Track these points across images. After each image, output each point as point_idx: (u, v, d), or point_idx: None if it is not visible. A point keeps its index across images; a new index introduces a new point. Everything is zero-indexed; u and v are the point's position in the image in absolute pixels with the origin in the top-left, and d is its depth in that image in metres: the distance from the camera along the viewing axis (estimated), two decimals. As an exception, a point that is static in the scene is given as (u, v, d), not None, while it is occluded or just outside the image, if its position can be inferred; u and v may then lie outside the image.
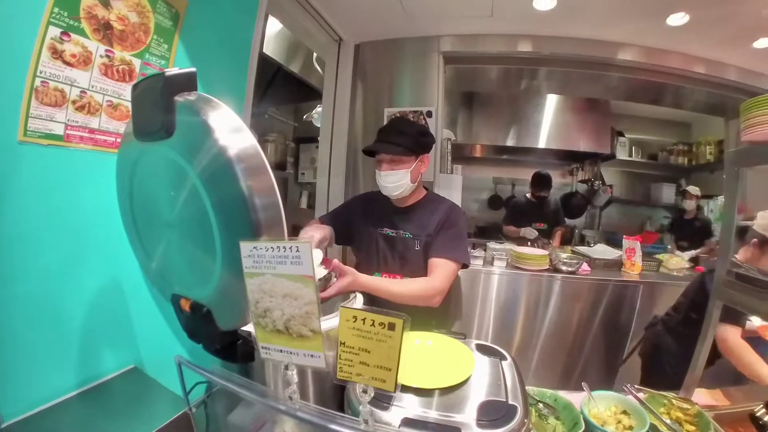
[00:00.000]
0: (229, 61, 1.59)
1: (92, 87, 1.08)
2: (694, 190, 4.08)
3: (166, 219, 0.82)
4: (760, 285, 1.34)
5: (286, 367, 0.68)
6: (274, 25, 2.78)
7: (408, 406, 0.86)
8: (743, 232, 1.73)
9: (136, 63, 1.18)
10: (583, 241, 4.79)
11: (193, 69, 0.72)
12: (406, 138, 1.58)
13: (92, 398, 1.10)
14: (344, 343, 0.59)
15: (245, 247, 0.61)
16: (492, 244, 3.28)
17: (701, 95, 3.59)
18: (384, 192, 1.64)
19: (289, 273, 0.59)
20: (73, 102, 1.05)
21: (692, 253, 3.62)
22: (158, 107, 0.71)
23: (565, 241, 4.20)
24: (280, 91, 3.26)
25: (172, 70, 0.71)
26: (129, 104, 0.96)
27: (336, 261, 1.30)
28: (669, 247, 4.21)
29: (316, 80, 3.19)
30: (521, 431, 0.85)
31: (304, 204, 4.22)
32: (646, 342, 2.25)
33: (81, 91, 1.06)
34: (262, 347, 0.67)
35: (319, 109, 3.02)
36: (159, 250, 0.89)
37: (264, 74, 2.95)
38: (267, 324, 0.64)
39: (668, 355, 1.88)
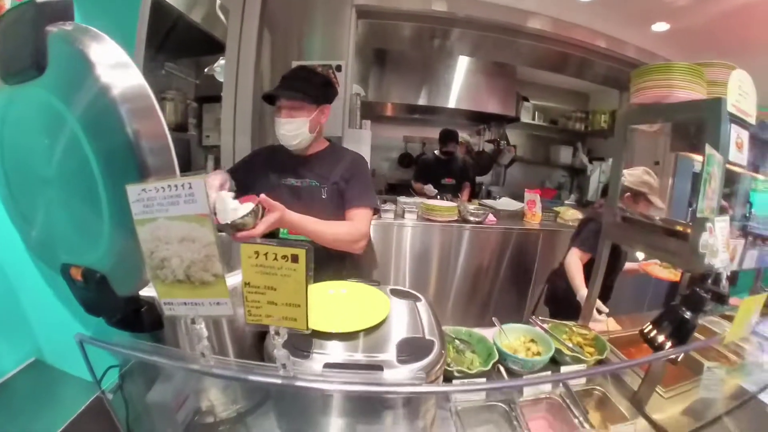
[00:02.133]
0: (116, 6, 1.38)
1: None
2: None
3: (43, 174, 0.71)
4: (640, 225, 1.64)
5: (193, 321, 0.64)
6: (173, -34, 2.50)
7: (329, 352, 0.88)
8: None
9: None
10: (489, 196, 5.12)
11: (70, -4, 0.64)
12: (308, 86, 1.56)
13: None
14: (249, 284, 0.58)
15: (133, 190, 0.56)
16: (402, 198, 3.44)
17: (601, 68, 3.92)
18: (281, 140, 1.60)
19: (183, 213, 0.56)
20: None
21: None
22: (28, 40, 0.62)
23: (474, 197, 4.41)
24: (180, 43, 2.96)
25: (44, -2, 0.62)
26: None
27: (263, 195, 1.26)
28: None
29: (220, 32, 2.93)
30: (439, 362, 0.90)
31: (210, 169, 3.83)
32: (548, 291, 2.55)
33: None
34: (164, 303, 0.63)
35: (222, 61, 2.80)
36: (39, 213, 0.79)
37: (160, 23, 2.65)
38: (166, 276, 0.60)
39: (567, 295, 2.13)
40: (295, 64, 2.83)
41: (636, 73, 1.64)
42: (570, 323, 1.59)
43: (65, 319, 1.10)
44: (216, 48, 3.03)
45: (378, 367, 0.84)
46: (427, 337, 0.98)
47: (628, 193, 2.03)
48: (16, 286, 1.04)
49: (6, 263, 1.00)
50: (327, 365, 0.83)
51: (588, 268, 2.00)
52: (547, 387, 1.27)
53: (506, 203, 3.87)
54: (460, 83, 4.82)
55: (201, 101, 3.83)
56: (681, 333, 1.09)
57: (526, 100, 5.37)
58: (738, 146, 1.22)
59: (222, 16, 2.69)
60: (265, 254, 0.57)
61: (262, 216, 1.24)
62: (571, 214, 3.65)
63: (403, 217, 3.13)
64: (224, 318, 0.66)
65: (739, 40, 2.83)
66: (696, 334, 1.17)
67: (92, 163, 0.62)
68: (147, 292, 0.73)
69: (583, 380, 1.32)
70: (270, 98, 1.60)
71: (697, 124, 1.37)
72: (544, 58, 4.09)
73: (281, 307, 0.59)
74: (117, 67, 0.59)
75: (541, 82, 5.41)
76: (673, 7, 2.73)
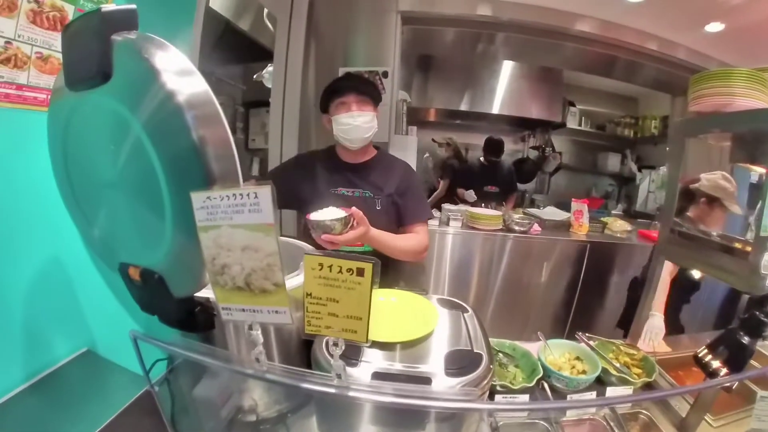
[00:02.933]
0: (175, 11, 1.46)
1: (19, 36, 0.97)
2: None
3: (107, 178, 0.74)
4: (697, 241, 1.52)
5: (250, 327, 0.65)
6: (222, -24, 2.59)
7: (376, 361, 0.89)
8: (688, 196, 1.91)
9: (69, 9, 1.06)
10: (533, 204, 5.02)
11: (133, 6, 0.65)
12: (370, 86, 1.63)
13: (44, 388, 1.02)
14: (311, 294, 0.57)
15: (197, 198, 0.57)
16: (447, 206, 3.38)
17: (651, 71, 3.76)
18: (353, 134, 1.58)
19: (247, 223, 0.56)
20: (-4, 53, 0.93)
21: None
22: (94, 48, 0.63)
23: (517, 205, 4.37)
24: (229, 50, 3.08)
25: (109, 6, 0.64)
26: (61, 56, 0.86)
27: (355, 209, 1.32)
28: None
29: (267, 39, 3.03)
30: (488, 377, 0.90)
31: (255, 171, 4.02)
32: (630, 302, 2.39)
33: (6, 42, 0.94)
34: (223, 308, 0.64)
35: (270, 68, 2.87)
36: (101, 214, 0.82)
37: (210, 31, 2.77)
38: (226, 282, 0.60)
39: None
40: (341, 71, 2.90)
41: (695, 79, 1.59)
42: (617, 341, 1.54)
43: (118, 314, 1.17)
44: (263, 55, 3.13)
45: (426, 379, 0.85)
46: (475, 350, 0.98)
47: (704, 199, 1.92)
48: (74, 280, 1.14)
49: (66, 258, 1.10)
50: (375, 375, 0.84)
51: (679, 284, 1.93)
52: (591, 408, 1.25)
53: (552, 213, 3.77)
54: (504, 88, 4.75)
55: (248, 106, 3.95)
56: (738, 359, 1.03)
57: (573, 104, 5.22)
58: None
59: (269, 24, 2.76)
60: (330, 266, 0.56)
61: (350, 227, 1.29)
62: (620, 226, 3.51)
63: (447, 224, 3.12)
64: (283, 326, 0.64)
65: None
66: (751, 361, 1.09)
67: (157, 169, 0.62)
68: (201, 292, 0.74)
69: (628, 403, 1.27)
70: (328, 98, 1.61)
71: (756, 134, 1.31)
72: (591, 62, 3.97)
73: (342, 319, 0.58)
74: (182, 74, 0.60)
75: (588, 86, 5.25)
76: (728, 6, 2.60)
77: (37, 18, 1.00)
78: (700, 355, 1.09)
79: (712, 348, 1.07)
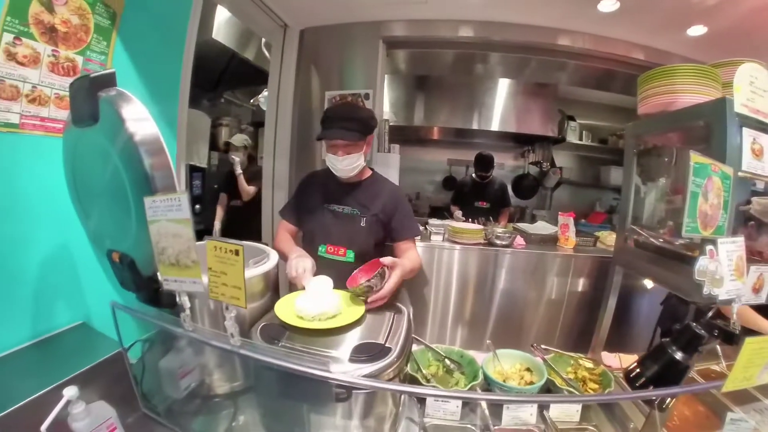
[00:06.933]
0: (165, 51, 1.73)
1: (42, 82, 1.29)
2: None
3: (98, 187, 1.04)
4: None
5: (179, 295, 0.90)
6: (226, 12, 2.90)
7: (295, 345, 1.08)
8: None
9: (79, 60, 1.38)
10: (533, 220, 4.95)
11: (113, 70, 0.95)
12: (359, 123, 1.72)
13: (43, 348, 1.27)
14: (211, 268, 0.83)
15: (147, 200, 0.84)
16: (432, 221, 3.37)
17: None
18: (339, 174, 1.78)
19: (174, 217, 0.82)
20: (26, 95, 1.25)
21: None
22: (87, 101, 0.93)
23: (512, 220, 4.34)
24: (236, 76, 3.38)
25: (97, 73, 0.94)
26: (72, 96, 1.18)
27: (381, 260, 1.43)
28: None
29: (269, 65, 3.32)
30: (392, 368, 1.03)
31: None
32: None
33: (32, 86, 1.27)
34: (164, 279, 0.91)
35: (265, 93, 3.12)
36: (94, 212, 1.13)
37: (217, 61, 3.10)
38: (165, 260, 0.87)
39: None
40: (327, 94, 3.09)
41: (641, 80, 1.55)
42: (576, 355, 1.50)
43: (111, 295, 1.41)
44: (267, 78, 3.41)
45: (326, 360, 0.99)
46: (388, 344, 1.10)
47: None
48: (77, 263, 1.43)
49: (72, 244, 1.40)
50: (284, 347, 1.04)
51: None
52: (529, 418, 1.18)
53: (541, 227, 3.68)
54: (501, 105, 4.80)
55: (257, 126, 4.23)
56: (669, 376, 0.95)
57: (573, 119, 5.22)
58: (756, 153, 1.09)
59: (266, 53, 3.03)
60: (220, 248, 0.81)
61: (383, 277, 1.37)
62: (613, 240, 3.24)
63: (429, 239, 3.11)
64: (197, 293, 0.89)
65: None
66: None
67: (126, 183, 0.92)
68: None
69: (576, 417, 1.22)
70: (322, 133, 1.73)
71: (703, 129, 1.22)
72: (586, 76, 3.97)
73: (230, 288, 0.82)
74: (139, 120, 0.89)
75: (587, 100, 5.26)
76: (703, 6, 2.47)
77: (55, 68, 1.32)
78: (629, 369, 1.03)
79: (643, 363, 1.01)
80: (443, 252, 3.07)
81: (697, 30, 2.74)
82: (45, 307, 1.34)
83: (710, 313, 0.97)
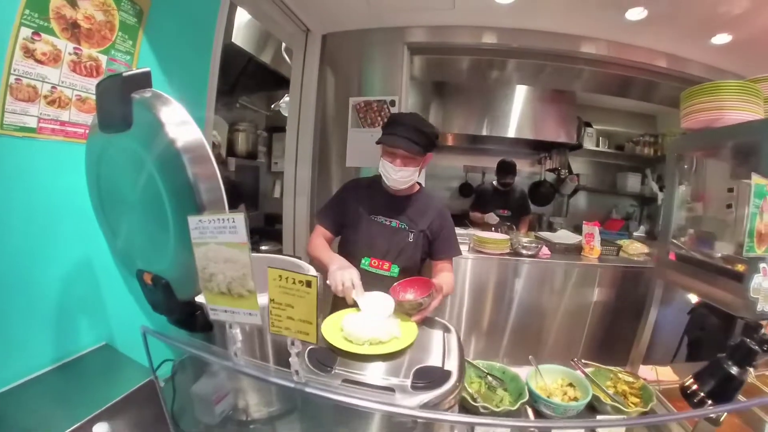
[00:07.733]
0: (192, 53, 1.66)
1: (62, 83, 1.17)
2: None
3: (129, 201, 0.92)
4: (695, 263, 1.51)
5: (231, 326, 0.79)
6: (244, 15, 2.81)
7: (350, 371, 0.99)
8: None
9: (103, 59, 1.27)
10: (551, 227, 4.94)
11: (148, 69, 0.83)
12: (425, 138, 1.66)
13: (66, 373, 1.18)
14: (273, 300, 0.71)
15: (192, 220, 0.72)
16: (457, 230, 3.34)
17: (666, 89, 3.67)
18: (390, 183, 1.71)
19: (227, 241, 0.70)
20: (45, 97, 1.13)
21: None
22: (118, 104, 0.81)
23: (532, 228, 4.31)
24: (253, 80, 3.30)
25: (130, 72, 0.82)
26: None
27: (430, 281, 1.41)
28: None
29: (286, 70, 3.24)
30: (453, 394, 0.95)
31: (277, 193, 4.21)
32: (693, 326, 2.25)
33: (52, 87, 1.15)
34: (211, 309, 0.79)
35: (287, 98, 3.06)
36: (123, 229, 1.00)
37: (235, 64, 3.00)
38: (213, 287, 0.75)
39: (716, 332, 1.91)
40: (352, 100, 3.03)
41: (685, 95, 1.54)
42: (616, 369, 1.48)
43: (135, 315, 1.34)
44: (283, 83, 3.33)
45: (390, 389, 0.92)
46: (446, 368, 1.04)
47: None
48: (99, 281, 1.33)
49: (94, 261, 1.30)
50: (344, 381, 0.94)
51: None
52: None
53: (564, 236, 3.67)
54: (518, 112, 4.76)
55: (271, 131, 4.16)
56: (725, 390, 0.97)
57: (590, 125, 5.18)
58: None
59: (287, 57, 2.96)
60: (286, 278, 0.69)
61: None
62: (636, 249, 3.36)
63: None
64: (254, 326, 0.78)
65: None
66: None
67: (164, 196, 0.79)
68: (202, 299, 0.87)
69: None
70: (385, 137, 1.67)
71: (750, 146, 1.27)
72: (603, 83, 3.95)
73: (297, 322, 0.71)
74: (181, 124, 0.77)
75: (604, 106, 5.22)
76: (730, 16, 2.47)
77: (77, 67, 1.21)
78: (686, 385, 1.04)
79: (699, 378, 1.02)
80: (467, 262, 3.04)
81: (721, 38, 2.75)
82: (67, 327, 1.25)
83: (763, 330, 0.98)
